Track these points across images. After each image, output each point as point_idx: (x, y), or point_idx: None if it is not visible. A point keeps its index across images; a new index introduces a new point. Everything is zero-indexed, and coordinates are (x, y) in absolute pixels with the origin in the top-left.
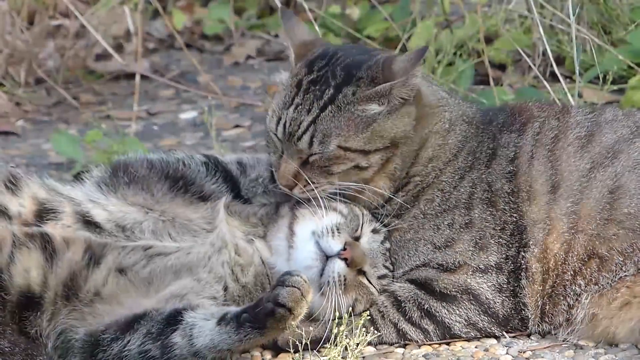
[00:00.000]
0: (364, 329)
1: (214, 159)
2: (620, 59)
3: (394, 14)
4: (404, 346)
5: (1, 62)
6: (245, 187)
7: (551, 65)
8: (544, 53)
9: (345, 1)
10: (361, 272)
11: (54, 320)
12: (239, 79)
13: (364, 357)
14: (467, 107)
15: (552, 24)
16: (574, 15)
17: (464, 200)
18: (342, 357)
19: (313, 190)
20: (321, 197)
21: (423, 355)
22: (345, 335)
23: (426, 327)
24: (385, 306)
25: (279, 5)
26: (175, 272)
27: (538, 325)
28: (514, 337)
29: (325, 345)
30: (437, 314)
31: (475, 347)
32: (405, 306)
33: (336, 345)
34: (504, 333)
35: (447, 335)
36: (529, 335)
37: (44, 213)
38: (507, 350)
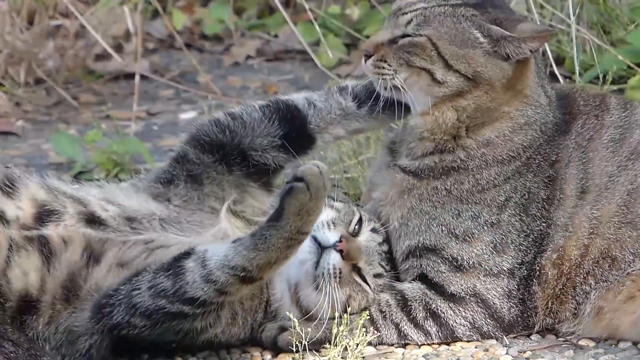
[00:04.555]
0: (363, 329)
1: (274, 100)
2: (620, 59)
3: None
4: (404, 346)
5: (1, 62)
6: (316, 117)
7: (551, 65)
8: (544, 53)
9: (345, 1)
10: (356, 268)
11: (53, 324)
12: (238, 79)
13: (363, 357)
14: (552, 115)
15: (552, 24)
16: (573, 15)
17: (499, 201)
18: (342, 357)
19: (381, 69)
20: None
21: (423, 356)
22: (345, 336)
23: (429, 328)
24: (389, 305)
25: (279, 5)
26: None
27: (542, 322)
28: (514, 337)
29: (325, 346)
30: (443, 315)
31: (475, 347)
32: (411, 305)
33: (336, 345)
34: (504, 336)
35: (450, 337)
36: (529, 335)
37: (44, 215)
38: (507, 350)
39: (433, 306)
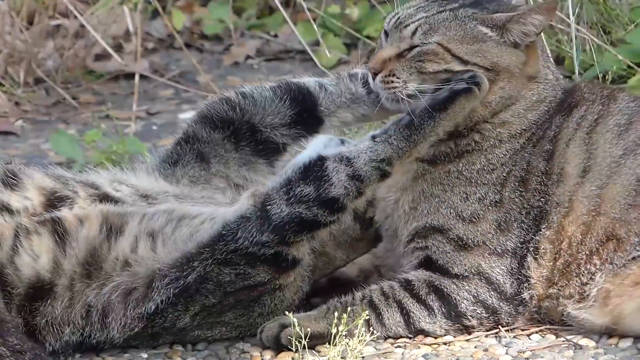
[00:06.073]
0: (363, 327)
1: (285, 82)
2: (619, 59)
3: None
4: (404, 346)
5: (1, 62)
6: (326, 99)
7: None
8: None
9: (344, 1)
10: None
11: (78, 304)
12: (238, 79)
13: (363, 357)
14: (559, 90)
15: (552, 24)
16: (573, 14)
17: (502, 177)
18: (341, 357)
19: (390, 84)
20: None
21: (423, 356)
22: (345, 335)
23: (431, 303)
24: (392, 287)
25: (279, 5)
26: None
27: (543, 293)
28: (514, 337)
29: (325, 345)
30: (446, 290)
31: (475, 347)
32: (414, 284)
33: (336, 345)
34: (505, 333)
35: (453, 313)
36: (529, 335)
37: (56, 201)
38: (507, 350)
39: (436, 283)
